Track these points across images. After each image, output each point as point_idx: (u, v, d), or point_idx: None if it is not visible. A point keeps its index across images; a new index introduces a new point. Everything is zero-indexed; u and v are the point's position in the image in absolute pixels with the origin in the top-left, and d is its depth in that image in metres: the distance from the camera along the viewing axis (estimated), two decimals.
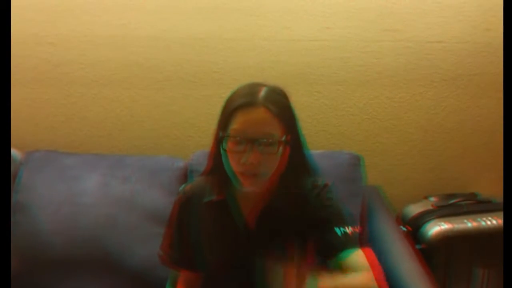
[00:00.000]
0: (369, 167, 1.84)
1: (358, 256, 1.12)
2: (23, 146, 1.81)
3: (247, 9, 1.83)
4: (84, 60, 1.85)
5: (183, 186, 1.27)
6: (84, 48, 1.84)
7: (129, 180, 1.69)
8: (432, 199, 1.93)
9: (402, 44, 1.90)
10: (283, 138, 1.07)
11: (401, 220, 1.91)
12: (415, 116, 1.98)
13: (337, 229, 1.14)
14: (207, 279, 1.24)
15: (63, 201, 1.64)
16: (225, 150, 1.08)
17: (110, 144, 1.93)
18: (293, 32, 1.86)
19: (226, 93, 1.87)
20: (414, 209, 1.89)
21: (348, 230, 1.15)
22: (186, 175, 1.71)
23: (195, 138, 1.94)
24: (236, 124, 1.06)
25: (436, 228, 1.75)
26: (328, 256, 1.14)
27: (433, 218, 1.80)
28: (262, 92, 1.08)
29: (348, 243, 1.14)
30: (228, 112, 1.08)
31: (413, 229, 1.82)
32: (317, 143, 1.94)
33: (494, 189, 2.01)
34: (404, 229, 1.84)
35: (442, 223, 1.76)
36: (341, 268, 1.10)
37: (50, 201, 1.64)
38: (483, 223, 1.78)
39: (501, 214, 1.81)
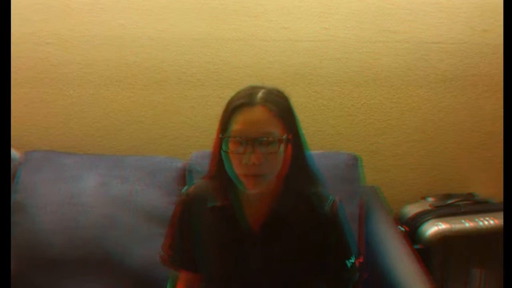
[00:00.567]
0: (367, 167, 1.84)
1: None
2: (21, 146, 1.81)
3: (245, 10, 1.83)
4: (82, 60, 1.85)
5: (185, 188, 1.26)
6: (82, 48, 1.84)
7: (128, 180, 1.69)
8: (430, 199, 1.94)
9: (399, 45, 1.90)
10: (284, 137, 1.06)
11: (399, 220, 1.92)
12: (413, 117, 1.98)
13: (347, 261, 1.18)
14: (210, 283, 1.23)
15: (61, 201, 1.64)
16: (226, 152, 1.07)
17: (109, 144, 1.93)
18: (291, 33, 1.86)
19: (224, 93, 1.89)
20: (411, 210, 1.90)
21: (355, 260, 1.19)
22: (184, 175, 1.71)
23: (194, 138, 1.94)
24: (235, 125, 1.06)
25: (433, 228, 1.76)
26: (329, 285, 1.20)
27: (431, 218, 1.80)
28: (261, 93, 1.08)
29: (350, 277, 1.19)
30: (227, 114, 1.09)
31: (410, 229, 1.83)
32: (315, 143, 1.94)
33: (491, 190, 2.02)
34: (402, 229, 1.84)
35: (440, 223, 1.77)
36: None
37: (48, 201, 1.64)
38: (480, 223, 1.78)
39: (499, 214, 1.81)
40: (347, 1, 1.85)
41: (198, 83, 1.89)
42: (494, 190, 1.99)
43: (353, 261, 1.19)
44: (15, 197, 1.64)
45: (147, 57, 1.86)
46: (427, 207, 1.88)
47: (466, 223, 1.78)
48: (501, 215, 1.81)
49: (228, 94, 1.86)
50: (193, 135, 1.94)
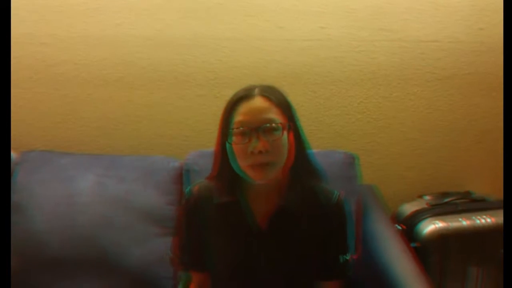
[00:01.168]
0: (364, 166, 1.84)
1: None
2: (18, 146, 1.80)
3: (241, 9, 1.83)
4: (78, 60, 1.85)
5: (189, 188, 1.27)
6: (78, 48, 1.84)
7: (125, 180, 1.69)
8: (427, 197, 1.94)
9: (396, 44, 1.90)
10: (286, 123, 1.09)
11: (396, 218, 1.92)
12: (410, 115, 1.99)
13: (341, 256, 1.19)
14: (217, 280, 1.24)
15: (59, 201, 1.64)
16: (230, 144, 1.09)
17: (106, 144, 1.93)
18: (287, 32, 1.86)
19: (221, 93, 1.89)
20: (408, 208, 1.90)
21: (347, 257, 1.20)
22: (181, 175, 1.71)
23: (190, 138, 1.94)
24: (238, 117, 1.08)
25: (430, 226, 1.76)
26: (320, 278, 1.20)
27: (428, 217, 1.80)
28: (258, 87, 1.12)
29: (341, 273, 1.20)
30: (228, 109, 1.11)
31: (407, 227, 1.83)
32: (312, 142, 1.91)
33: (488, 188, 2.02)
34: (399, 227, 1.84)
35: (437, 221, 1.77)
36: None
37: (46, 201, 1.64)
38: (477, 221, 1.78)
39: (496, 212, 1.81)
40: (343, 0, 1.85)
41: (194, 82, 1.89)
42: (491, 188, 1.99)
43: (347, 258, 1.20)
44: (12, 197, 1.64)
45: (143, 57, 1.86)
46: (424, 206, 1.88)
47: (463, 221, 1.78)
48: (498, 213, 1.81)
49: (224, 93, 1.88)
50: (189, 135, 1.94)
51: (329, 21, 1.86)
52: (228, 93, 1.12)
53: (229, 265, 1.19)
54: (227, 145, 1.11)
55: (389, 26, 1.89)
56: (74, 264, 1.59)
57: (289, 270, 1.17)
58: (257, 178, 1.09)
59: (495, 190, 1.92)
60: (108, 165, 1.73)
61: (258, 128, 1.06)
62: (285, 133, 1.08)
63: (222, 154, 1.14)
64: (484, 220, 1.79)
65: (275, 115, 1.08)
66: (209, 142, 1.85)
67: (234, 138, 1.08)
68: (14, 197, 1.64)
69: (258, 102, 1.09)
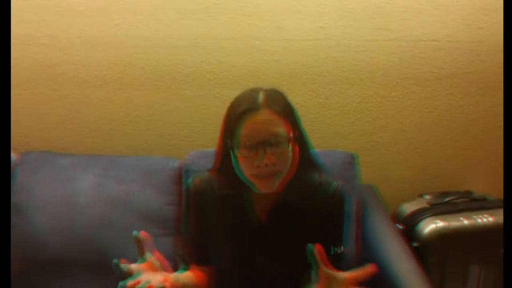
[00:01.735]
0: (364, 165, 1.84)
1: None
2: (17, 147, 1.80)
3: (240, 9, 1.83)
4: (77, 61, 1.85)
5: (189, 180, 1.29)
6: (77, 49, 1.84)
7: (124, 181, 1.69)
8: (427, 197, 1.94)
9: (395, 43, 1.90)
10: (291, 135, 1.10)
11: (396, 218, 1.91)
12: (409, 115, 1.98)
13: (332, 248, 1.18)
14: (219, 272, 1.25)
15: (58, 202, 1.64)
16: (236, 158, 1.11)
17: (105, 144, 1.93)
18: (286, 32, 1.86)
19: (219, 93, 1.89)
20: (409, 207, 1.90)
21: (339, 250, 1.19)
22: (180, 175, 1.72)
23: (190, 138, 1.94)
24: (243, 130, 1.09)
25: (431, 226, 1.76)
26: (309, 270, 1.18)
27: (428, 216, 1.80)
28: (262, 96, 1.12)
29: (333, 265, 1.18)
30: (233, 120, 1.11)
31: (408, 227, 1.83)
32: (312, 142, 1.93)
33: (488, 187, 2.02)
34: (399, 227, 1.84)
35: (437, 221, 1.77)
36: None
37: (45, 201, 1.64)
38: (478, 220, 1.78)
39: (496, 211, 1.81)
40: (342, 0, 1.85)
41: (193, 82, 1.89)
42: (491, 187, 1.99)
43: (338, 251, 1.19)
44: (11, 198, 1.64)
45: (142, 57, 1.86)
46: (424, 205, 1.87)
47: (464, 221, 1.78)
48: (498, 212, 1.81)
49: (224, 93, 1.89)
50: (189, 135, 1.94)
51: (328, 21, 1.86)
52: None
53: (230, 257, 1.21)
54: (232, 155, 1.12)
55: (388, 25, 1.88)
56: (73, 265, 1.59)
57: (288, 262, 1.17)
58: (262, 188, 1.12)
59: (495, 189, 1.91)
60: (107, 165, 1.73)
61: (265, 143, 1.07)
62: (291, 145, 1.10)
63: (224, 155, 1.17)
64: (485, 219, 1.79)
65: (281, 128, 1.09)
66: (209, 142, 1.87)
67: (240, 151, 1.09)
68: (14, 198, 1.64)
69: (264, 115, 1.09)
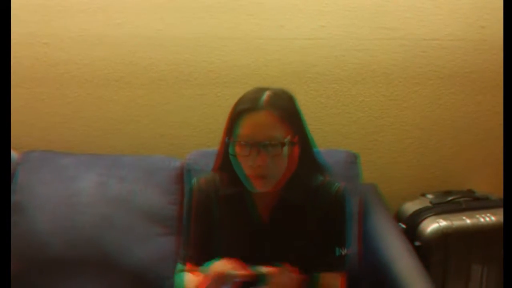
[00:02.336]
0: (366, 165, 1.84)
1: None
2: (19, 146, 1.80)
3: (241, 8, 1.83)
4: (79, 60, 1.85)
5: (194, 179, 1.29)
6: (79, 48, 1.84)
7: (126, 180, 1.69)
8: (429, 196, 1.93)
9: (397, 42, 1.90)
10: (287, 139, 1.11)
11: (398, 217, 1.91)
12: (411, 114, 1.98)
13: (337, 249, 1.20)
14: None
15: (60, 201, 1.64)
16: (233, 155, 1.12)
17: (106, 144, 1.93)
18: (288, 31, 1.86)
19: (221, 92, 1.89)
20: (411, 207, 1.89)
21: (344, 251, 1.21)
22: (182, 174, 1.71)
23: (191, 138, 1.94)
24: (241, 129, 1.10)
25: (433, 225, 1.75)
26: (315, 270, 1.19)
27: (430, 215, 1.80)
28: (266, 97, 1.12)
29: (339, 265, 1.20)
30: (233, 117, 1.13)
31: (410, 226, 1.82)
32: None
33: (490, 186, 2.01)
34: (402, 226, 1.84)
35: (440, 220, 1.76)
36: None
37: (47, 201, 1.64)
38: (480, 219, 1.78)
39: (498, 210, 1.81)
40: None
41: (195, 82, 1.89)
42: (494, 186, 1.99)
43: (342, 253, 1.21)
44: (13, 197, 1.64)
45: (144, 56, 1.86)
46: (427, 204, 1.87)
47: (466, 220, 1.77)
48: (500, 211, 1.80)
49: (225, 92, 1.89)
50: (190, 134, 1.94)
51: (330, 19, 1.86)
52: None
53: (233, 257, 1.20)
54: (230, 154, 1.14)
55: (389, 24, 1.88)
56: (75, 264, 1.59)
57: (290, 262, 1.17)
58: (257, 187, 1.13)
59: (497, 188, 1.90)
60: (109, 165, 1.73)
61: (259, 144, 1.08)
62: (285, 149, 1.10)
63: (225, 154, 1.18)
64: (487, 218, 1.78)
65: (278, 132, 1.10)
66: (210, 142, 1.88)
67: (236, 149, 1.12)
68: (15, 197, 1.64)
69: (262, 117, 1.10)
